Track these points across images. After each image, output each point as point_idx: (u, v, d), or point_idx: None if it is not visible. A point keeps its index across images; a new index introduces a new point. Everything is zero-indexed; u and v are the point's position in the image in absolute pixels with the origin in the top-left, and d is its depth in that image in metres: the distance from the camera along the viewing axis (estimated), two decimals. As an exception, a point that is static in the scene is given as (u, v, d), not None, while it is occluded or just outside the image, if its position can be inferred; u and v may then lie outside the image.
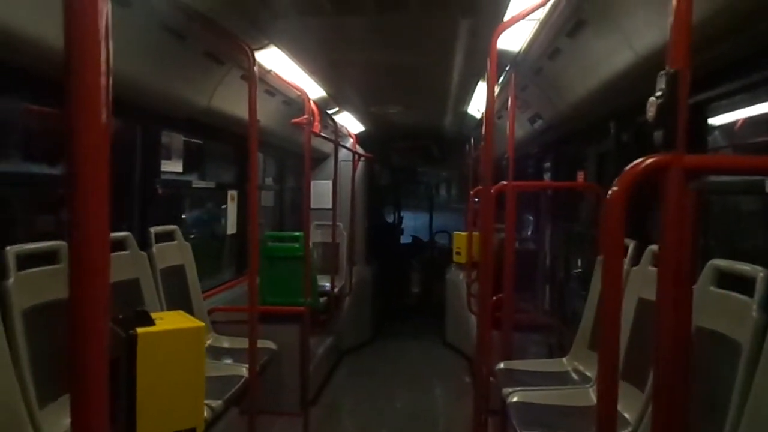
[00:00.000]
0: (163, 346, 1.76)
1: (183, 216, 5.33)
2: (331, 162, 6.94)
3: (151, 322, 1.78)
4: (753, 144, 2.90)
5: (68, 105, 0.77)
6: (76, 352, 0.79)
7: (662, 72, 1.31)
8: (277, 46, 3.95)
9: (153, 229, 3.83)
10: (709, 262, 2.35)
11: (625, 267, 3.26)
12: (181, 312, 2.00)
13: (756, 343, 1.95)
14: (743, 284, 2.17)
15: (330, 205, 6.81)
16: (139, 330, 1.72)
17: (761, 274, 2.05)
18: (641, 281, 3.06)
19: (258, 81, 3.35)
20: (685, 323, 1.34)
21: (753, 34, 2.08)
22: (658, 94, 1.32)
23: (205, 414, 2.92)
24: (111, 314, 1.96)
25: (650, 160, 1.29)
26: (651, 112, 1.33)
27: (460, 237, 7.75)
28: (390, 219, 11.01)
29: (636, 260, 3.21)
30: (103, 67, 0.77)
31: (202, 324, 1.87)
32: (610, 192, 1.29)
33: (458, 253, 7.82)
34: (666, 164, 1.29)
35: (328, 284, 6.43)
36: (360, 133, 8.34)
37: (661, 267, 1.33)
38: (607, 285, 1.33)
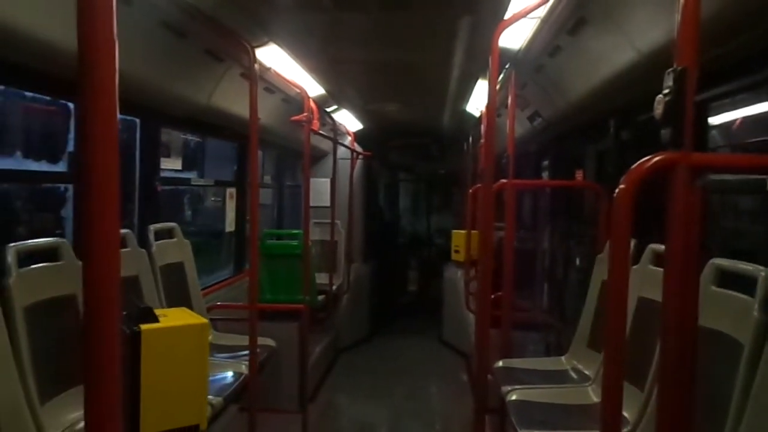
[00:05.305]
0: (168, 342, 1.76)
1: (182, 213, 5.32)
2: (329, 160, 6.93)
3: (155, 318, 1.77)
4: (751, 143, 2.90)
5: (84, 103, 0.77)
6: (90, 347, 0.79)
7: (669, 70, 1.31)
8: (277, 44, 3.94)
9: (152, 227, 3.83)
10: (710, 261, 2.35)
11: (626, 266, 3.26)
12: (184, 309, 2.00)
13: (757, 343, 1.96)
14: (744, 283, 2.17)
15: (328, 203, 6.80)
16: (144, 327, 1.71)
17: (763, 274, 2.06)
18: (641, 280, 3.06)
19: (258, 78, 3.33)
20: (691, 322, 1.34)
21: (758, 32, 2.08)
22: (666, 91, 1.32)
23: (205, 411, 2.93)
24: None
25: (658, 158, 1.29)
26: (659, 109, 1.33)
27: (458, 235, 7.75)
28: (388, 217, 11.00)
29: (636, 259, 3.21)
30: (115, 66, 0.77)
31: (206, 321, 1.87)
32: (617, 190, 1.29)
33: (456, 252, 7.82)
34: (674, 162, 1.29)
35: (326, 282, 6.43)
36: (358, 131, 8.33)
37: (668, 265, 1.33)
38: (614, 283, 1.33)
